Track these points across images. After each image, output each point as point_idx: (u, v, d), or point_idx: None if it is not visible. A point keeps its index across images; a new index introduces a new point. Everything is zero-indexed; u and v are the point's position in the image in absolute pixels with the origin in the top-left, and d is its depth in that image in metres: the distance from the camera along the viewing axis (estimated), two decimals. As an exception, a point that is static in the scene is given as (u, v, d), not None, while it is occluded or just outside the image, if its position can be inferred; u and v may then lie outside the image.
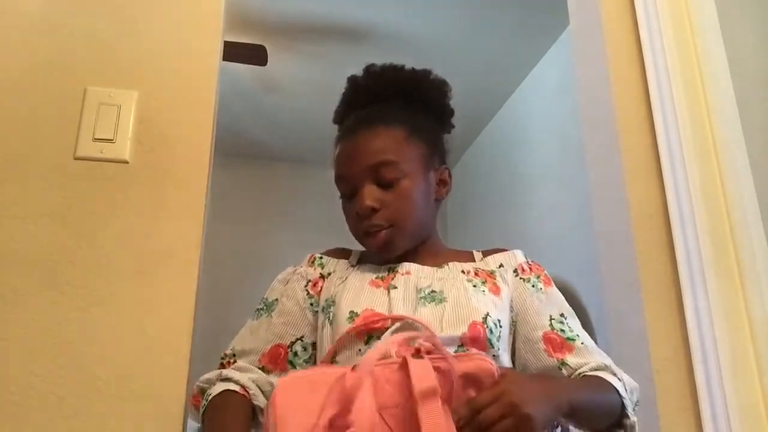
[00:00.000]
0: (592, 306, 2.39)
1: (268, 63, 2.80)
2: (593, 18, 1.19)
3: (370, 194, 0.91)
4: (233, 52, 2.58)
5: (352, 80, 1.06)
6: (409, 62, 1.06)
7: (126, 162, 0.95)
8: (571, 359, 0.88)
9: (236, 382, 0.86)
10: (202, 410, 0.84)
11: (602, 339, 2.28)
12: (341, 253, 1.01)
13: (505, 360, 0.90)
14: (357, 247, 1.00)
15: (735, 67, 1.11)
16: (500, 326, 0.88)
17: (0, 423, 0.82)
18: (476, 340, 0.84)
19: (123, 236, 0.92)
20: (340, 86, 1.07)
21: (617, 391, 0.84)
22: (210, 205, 0.99)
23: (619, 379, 0.86)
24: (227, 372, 0.87)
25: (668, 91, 1.08)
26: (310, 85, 3.17)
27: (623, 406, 0.83)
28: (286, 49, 2.95)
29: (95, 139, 0.95)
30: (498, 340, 0.87)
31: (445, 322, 0.84)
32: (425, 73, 1.05)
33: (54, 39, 1.00)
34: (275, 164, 3.93)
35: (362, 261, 0.99)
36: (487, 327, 0.86)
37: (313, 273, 0.96)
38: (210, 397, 0.84)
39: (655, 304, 0.98)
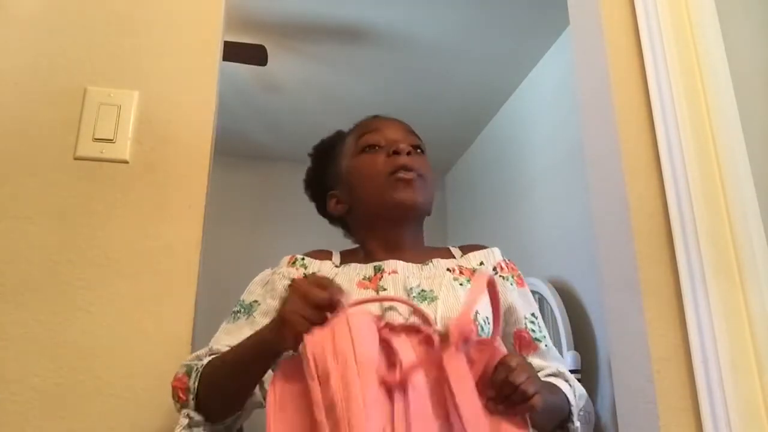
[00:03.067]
0: (592, 306, 2.39)
1: (268, 63, 2.80)
2: (593, 18, 1.19)
3: (404, 142, 0.97)
4: (233, 52, 2.58)
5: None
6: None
7: (126, 162, 0.96)
8: (532, 359, 0.93)
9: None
10: (194, 383, 0.80)
11: (602, 339, 2.28)
12: (323, 255, 1.00)
13: None
14: (338, 246, 1.01)
15: (735, 67, 1.11)
16: (488, 323, 0.90)
17: (0, 423, 0.82)
18: (462, 330, 0.86)
19: (123, 236, 0.92)
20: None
21: (567, 398, 0.89)
22: (210, 205, 0.99)
23: (570, 386, 0.91)
24: (218, 346, 0.86)
25: (668, 91, 1.08)
26: (310, 85, 3.17)
27: (570, 412, 0.89)
28: (286, 49, 2.95)
29: (95, 139, 0.95)
30: (484, 321, 0.89)
31: (438, 321, 0.85)
32: None
33: (54, 39, 1.00)
34: (275, 164, 3.93)
35: (345, 262, 0.99)
36: (478, 324, 0.88)
37: (296, 273, 0.95)
38: (202, 366, 0.82)
39: (655, 304, 0.98)
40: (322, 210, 1.07)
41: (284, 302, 0.73)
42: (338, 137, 1.08)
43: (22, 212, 0.90)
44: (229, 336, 0.90)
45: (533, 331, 0.95)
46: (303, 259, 0.98)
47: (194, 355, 0.87)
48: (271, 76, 3.13)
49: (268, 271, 0.98)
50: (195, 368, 0.83)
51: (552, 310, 2.50)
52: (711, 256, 0.97)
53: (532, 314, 0.97)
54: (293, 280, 0.77)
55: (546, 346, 0.95)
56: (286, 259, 0.98)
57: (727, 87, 1.09)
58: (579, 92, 1.24)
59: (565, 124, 2.71)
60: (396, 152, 0.95)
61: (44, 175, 0.93)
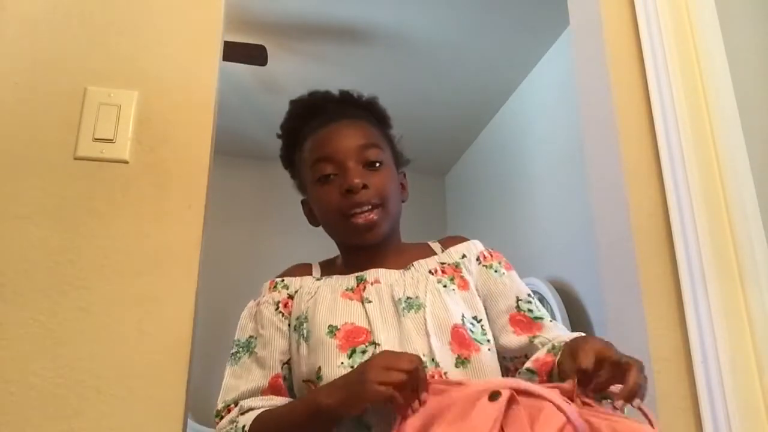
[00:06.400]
0: (592, 306, 2.39)
1: (268, 63, 2.80)
2: (593, 18, 1.19)
3: (358, 172, 0.92)
4: (233, 52, 2.58)
5: (304, 98, 1.07)
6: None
7: (126, 162, 0.95)
8: (542, 335, 0.88)
9: (262, 407, 0.84)
10: None
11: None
12: (302, 270, 0.99)
13: (492, 353, 0.89)
14: (329, 250, 1.00)
15: (735, 67, 1.11)
16: (477, 321, 0.89)
17: (0, 423, 0.81)
18: (462, 343, 0.85)
19: (123, 236, 0.92)
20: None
21: None
22: (210, 205, 0.99)
23: None
24: (247, 403, 0.84)
25: (668, 91, 1.08)
26: (310, 85, 3.15)
27: None
28: (286, 49, 2.95)
29: (95, 139, 0.95)
30: (483, 335, 0.88)
31: (430, 331, 0.85)
32: (375, 99, 1.06)
33: (54, 39, 1.00)
34: (275, 164, 3.91)
35: (326, 273, 0.97)
36: (466, 328, 0.86)
37: (279, 296, 0.94)
38: (246, 427, 0.81)
39: (655, 304, 0.98)
40: (302, 189, 1.06)
41: (362, 371, 0.73)
42: (303, 123, 1.03)
43: (22, 212, 0.90)
44: (240, 380, 0.88)
45: (530, 311, 0.91)
46: (282, 281, 0.96)
47: (226, 420, 0.84)
48: (271, 76, 3.12)
49: (252, 303, 0.95)
50: (237, 429, 0.81)
51: (552, 311, 2.50)
52: (711, 256, 0.97)
53: (528, 295, 0.94)
54: (375, 356, 0.77)
55: (551, 320, 0.91)
56: (266, 285, 0.97)
57: (727, 87, 1.09)
58: (579, 92, 1.24)
59: (565, 124, 2.71)
60: (348, 191, 0.90)
61: (44, 175, 0.93)
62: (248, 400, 0.85)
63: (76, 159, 0.94)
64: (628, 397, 0.66)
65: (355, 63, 2.97)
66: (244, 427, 0.81)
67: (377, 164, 0.94)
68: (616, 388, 0.67)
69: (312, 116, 1.02)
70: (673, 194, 1.03)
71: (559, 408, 0.61)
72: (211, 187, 1.00)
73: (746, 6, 1.24)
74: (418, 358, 0.73)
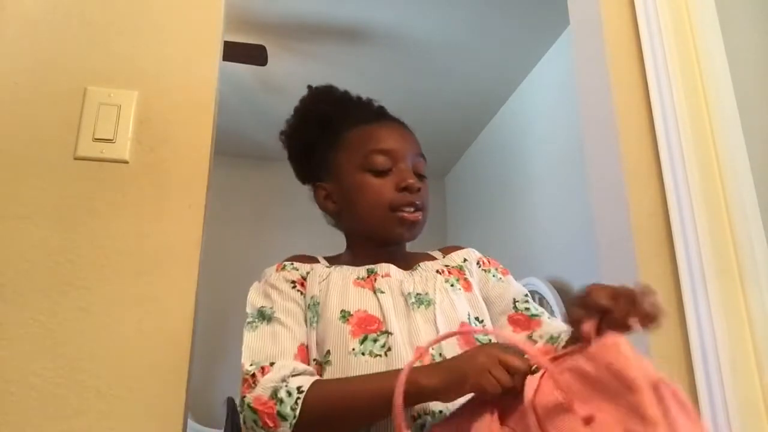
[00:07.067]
0: (592, 306, 2.39)
1: (268, 63, 2.80)
2: (593, 18, 1.19)
3: (412, 175, 0.95)
4: (233, 52, 2.58)
5: (329, 88, 1.09)
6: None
7: (126, 162, 0.95)
8: (540, 330, 0.90)
9: (310, 373, 0.81)
10: (292, 409, 0.75)
11: (602, 339, 2.28)
12: (309, 259, 0.98)
13: None
14: (337, 246, 1.00)
15: (735, 67, 1.11)
16: (480, 322, 0.91)
17: (0, 423, 0.82)
18: (468, 341, 0.86)
19: (123, 236, 0.92)
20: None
21: None
22: (210, 205, 0.99)
23: None
24: (300, 366, 0.81)
25: (668, 91, 1.09)
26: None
27: None
28: (286, 49, 2.95)
29: (95, 139, 0.95)
30: (485, 336, 0.89)
31: (440, 326, 0.86)
32: None
33: (54, 39, 1.00)
34: (275, 164, 3.92)
35: (334, 264, 0.97)
36: (472, 326, 0.88)
37: (291, 275, 0.93)
38: (297, 389, 0.76)
39: (655, 304, 0.98)
40: (300, 174, 1.07)
41: (474, 356, 0.70)
42: (337, 110, 1.03)
43: (22, 212, 0.90)
44: (269, 344, 0.84)
45: (527, 309, 0.93)
46: (291, 263, 0.95)
47: (277, 376, 0.78)
48: (271, 76, 3.13)
49: (258, 284, 0.94)
50: (286, 391, 0.76)
51: (552, 311, 2.50)
52: (711, 256, 0.97)
53: (525, 295, 0.96)
54: (485, 345, 0.75)
55: (548, 317, 0.92)
56: (273, 267, 0.95)
57: (727, 87, 1.09)
58: (579, 92, 1.24)
59: (565, 124, 2.71)
60: (405, 188, 0.93)
61: (44, 175, 0.93)
62: (295, 363, 0.81)
63: (76, 159, 0.94)
64: (646, 322, 0.65)
65: (355, 63, 2.97)
66: (299, 387, 0.76)
67: (422, 177, 0.98)
68: (633, 320, 0.66)
69: (347, 107, 1.04)
70: (673, 194, 1.03)
71: (527, 352, 0.62)
72: (211, 187, 1.00)
73: (746, 6, 1.24)
74: (527, 361, 0.68)
